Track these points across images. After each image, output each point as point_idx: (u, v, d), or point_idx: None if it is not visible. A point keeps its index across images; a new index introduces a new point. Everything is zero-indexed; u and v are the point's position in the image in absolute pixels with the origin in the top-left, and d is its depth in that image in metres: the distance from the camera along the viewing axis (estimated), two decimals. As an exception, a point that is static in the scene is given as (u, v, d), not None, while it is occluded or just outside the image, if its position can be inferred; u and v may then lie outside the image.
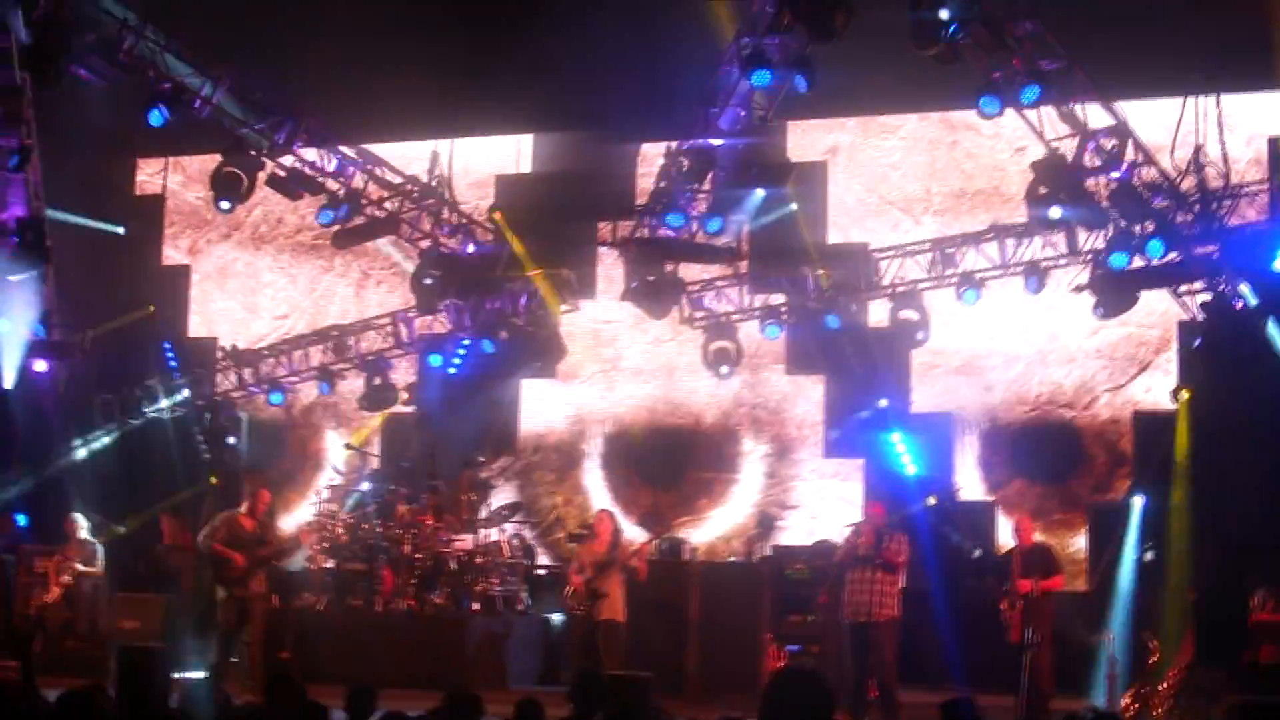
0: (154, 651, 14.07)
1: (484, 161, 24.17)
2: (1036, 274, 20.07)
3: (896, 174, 22.62)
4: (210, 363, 24.21)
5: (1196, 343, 19.15)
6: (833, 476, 22.40)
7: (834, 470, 22.42)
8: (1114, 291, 19.22)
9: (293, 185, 20.39)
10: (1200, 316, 19.29)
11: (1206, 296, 19.05)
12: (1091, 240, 19.41)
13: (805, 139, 22.73)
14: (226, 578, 17.02)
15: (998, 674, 16.75)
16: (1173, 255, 18.60)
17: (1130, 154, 18.30)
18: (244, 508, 17.46)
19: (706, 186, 20.27)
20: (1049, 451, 21.44)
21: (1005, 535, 20.80)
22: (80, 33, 17.72)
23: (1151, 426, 20.53)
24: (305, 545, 19.05)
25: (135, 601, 20.16)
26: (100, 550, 20.21)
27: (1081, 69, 17.74)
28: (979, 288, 20.43)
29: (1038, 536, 18.08)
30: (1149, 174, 18.60)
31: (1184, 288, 19.60)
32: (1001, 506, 21.36)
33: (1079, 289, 19.80)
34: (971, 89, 17.54)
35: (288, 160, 20.12)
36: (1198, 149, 18.65)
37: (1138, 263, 18.76)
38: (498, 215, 22.54)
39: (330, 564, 20.14)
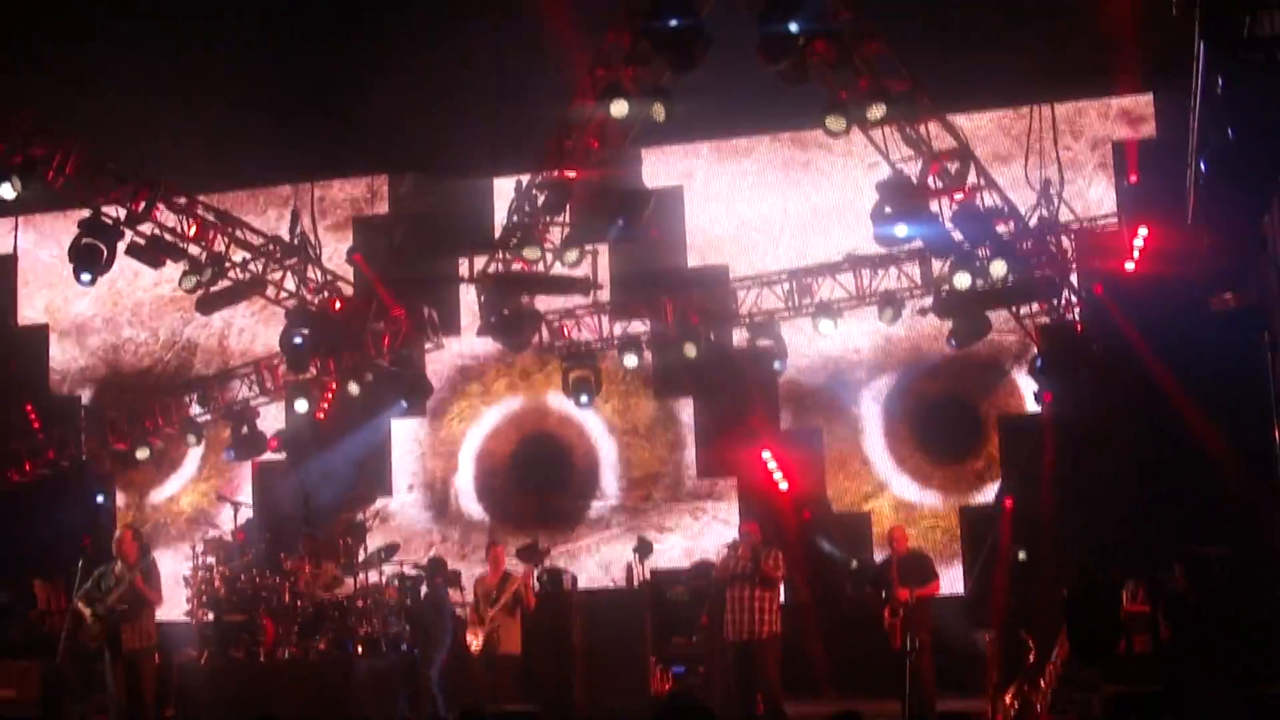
0: (30, 720, 13.94)
1: (341, 205, 24.12)
2: (892, 304, 20.41)
3: (751, 196, 22.83)
4: (74, 422, 23.92)
5: (1038, 363, 19.57)
6: (707, 497, 22.54)
7: (708, 490, 22.56)
8: (960, 314, 19.63)
9: (154, 253, 20.19)
10: (1036, 338, 19.83)
11: (1045, 319, 19.60)
12: (942, 268, 19.76)
13: (660, 166, 22.91)
14: (90, 634, 16.70)
15: (880, 681, 16.98)
16: (1013, 276, 19.00)
17: (972, 177, 18.68)
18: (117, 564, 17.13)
19: (563, 219, 20.35)
20: (919, 459, 21.72)
21: (883, 544, 21.04)
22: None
23: (1016, 429, 20.89)
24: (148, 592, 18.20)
25: (11, 670, 19.81)
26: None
27: (925, 91, 18.07)
28: (835, 317, 20.71)
29: (911, 543, 18.30)
30: (991, 198, 18.99)
31: (1025, 310, 20.07)
32: (876, 516, 21.60)
33: (924, 311, 20.23)
34: (820, 109, 17.79)
35: (147, 228, 19.92)
36: (1046, 184, 19.11)
37: (980, 284, 19.14)
38: (357, 257, 22.52)
39: (210, 617, 19.95)
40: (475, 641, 17.42)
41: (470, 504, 23.42)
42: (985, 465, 21.47)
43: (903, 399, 21.89)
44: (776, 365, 21.39)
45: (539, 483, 23.20)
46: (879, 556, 19.39)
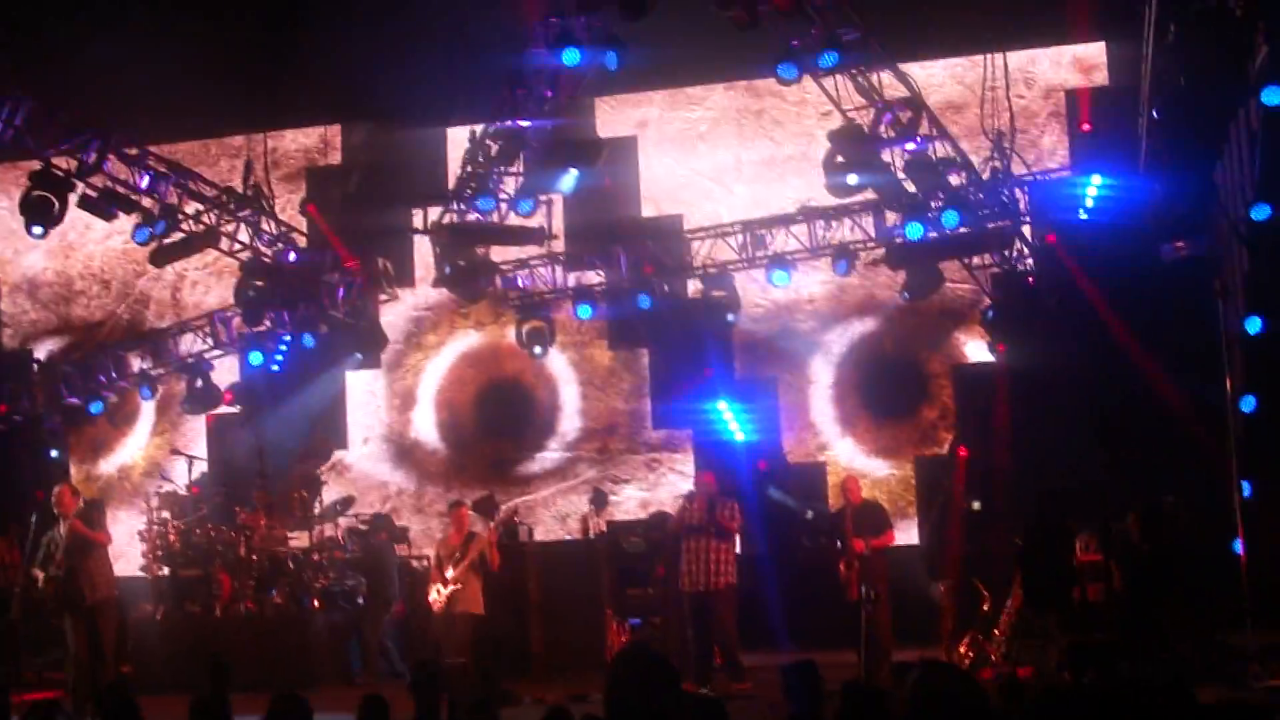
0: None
1: (294, 155, 24.01)
2: (846, 256, 20.41)
3: (705, 145, 22.79)
4: (26, 376, 23.77)
5: (989, 314, 19.65)
6: (663, 448, 22.56)
7: (663, 441, 22.59)
8: (912, 265, 19.66)
9: (106, 205, 20.02)
10: (988, 288, 19.90)
11: (996, 270, 19.65)
12: (895, 220, 19.77)
13: (614, 115, 22.84)
14: (47, 597, 16.70)
15: (837, 632, 17.05)
16: (964, 228, 19.04)
17: (925, 127, 18.67)
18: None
19: (517, 168, 20.29)
20: (874, 408, 21.77)
21: (838, 494, 21.12)
22: None
23: (970, 379, 20.96)
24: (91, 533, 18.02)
25: (-34, 624, 19.78)
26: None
27: (877, 40, 18.03)
28: (789, 268, 20.69)
29: (865, 494, 18.37)
30: (943, 149, 18.99)
31: (976, 260, 20.10)
32: (831, 466, 21.66)
33: (875, 263, 20.27)
34: (774, 56, 17.75)
35: (98, 180, 19.76)
36: (999, 135, 19.12)
37: (932, 235, 19.18)
38: (310, 208, 22.43)
39: (165, 571, 19.91)
40: (438, 600, 17.41)
41: (426, 456, 23.39)
42: (939, 415, 21.54)
43: (857, 348, 21.92)
44: (730, 317, 21.37)
45: (495, 434, 23.18)
46: (834, 507, 19.44)
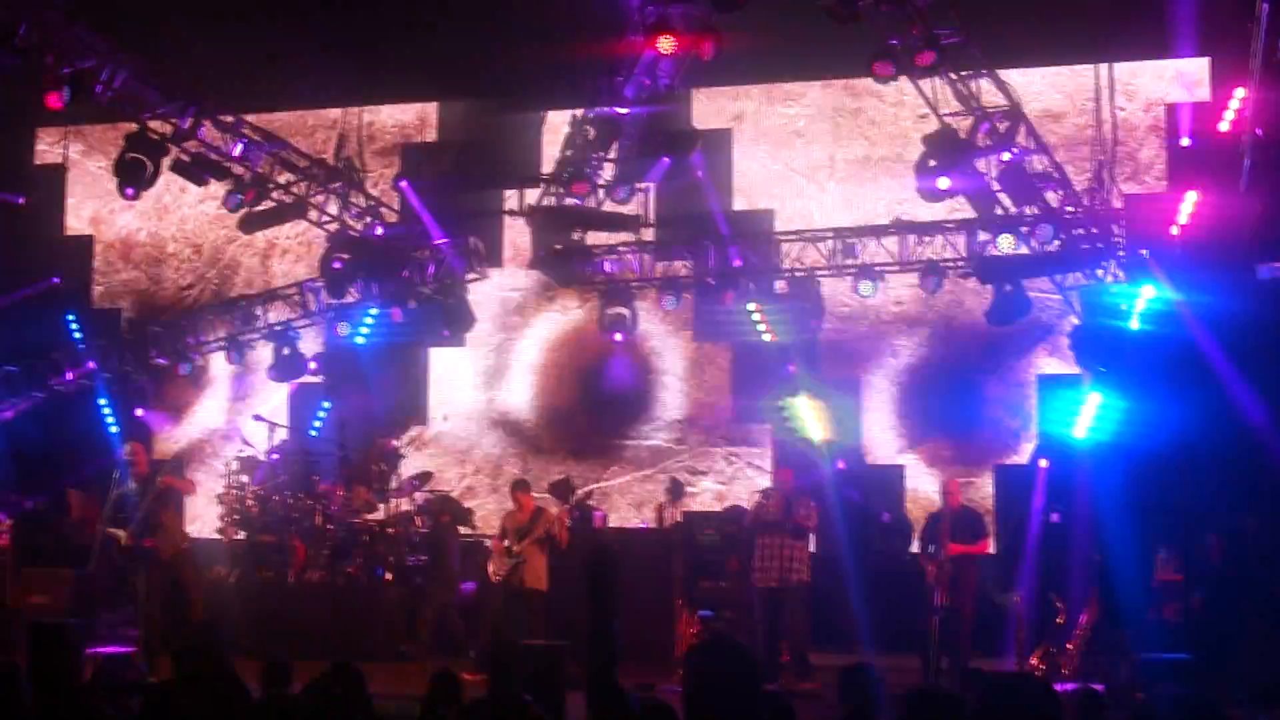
0: (66, 626, 14.07)
1: (390, 131, 24.12)
2: (936, 273, 20.33)
3: (800, 141, 22.73)
4: (116, 334, 24.02)
5: (1076, 332, 19.47)
6: (741, 442, 22.53)
7: (743, 435, 22.55)
8: (1001, 278, 19.54)
9: (198, 171, 20.18)
10: (1078, 308, 19.75)
11: (1086, 286, 19.52)
12: (988, 235, 19.67)
13: (710, 106, 22.81)
14: (126, 553, 16.94)
15: (908, 637, 17.00)
16: (1057, 243, 18.88)
17: (1023, 138, 18.52)
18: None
19: (612, 155, 20.33)
20: (955, 415, 21.64)
21: (915, 498, 21.05)
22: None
23: (1054, 390, 20.80)
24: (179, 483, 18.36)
25: (44, 576, 19.99)
26: (8, 524, 20.01)
27: (978, 45, 17.89)
28: (876, 280, 20.62)
29: (919, 501, 18.29)
30: (1040, 162, 18.83)
31: (1069, 279, 19.96)
32: (911, 469, 21.56)
33: (966, 275, 20.13)
34: (870, 56, 17.66)
35: (192, 145, 19.91)
36: (1099, 165, 18.92)
37: (1023, 250, 19.05)
38: (404, 185, 22.53)
39: (241, 536, 20.09)
40: (497, 572, 17.50)
41: (504, 436, 23.44)
42: (1021, 424, 21.38)
43: (941, 354, 21.78)
44: (813, 324, 21.33)
45: (574, 419, 23.21)
46: (911, 510, 19.37)
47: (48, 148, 25.43)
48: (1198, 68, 20.93)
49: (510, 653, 11.12)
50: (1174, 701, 7.54)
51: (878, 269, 20.72)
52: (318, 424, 22.72)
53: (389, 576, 19.37)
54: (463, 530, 20.43)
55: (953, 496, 17.45)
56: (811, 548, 17.37)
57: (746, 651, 6.68)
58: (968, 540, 16.86)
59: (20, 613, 18.73)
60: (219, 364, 23.89)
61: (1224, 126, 18.17)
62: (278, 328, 23.04)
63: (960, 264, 20.40)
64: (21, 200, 24.12)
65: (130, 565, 17.20)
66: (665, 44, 18.13)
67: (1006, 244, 19.11)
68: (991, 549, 20.01)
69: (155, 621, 16.94)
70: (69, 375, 23.23)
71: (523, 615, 17.31)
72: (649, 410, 22.98)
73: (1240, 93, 18.07)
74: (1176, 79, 21.10)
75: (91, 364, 23.34)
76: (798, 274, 21.27)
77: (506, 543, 17.56)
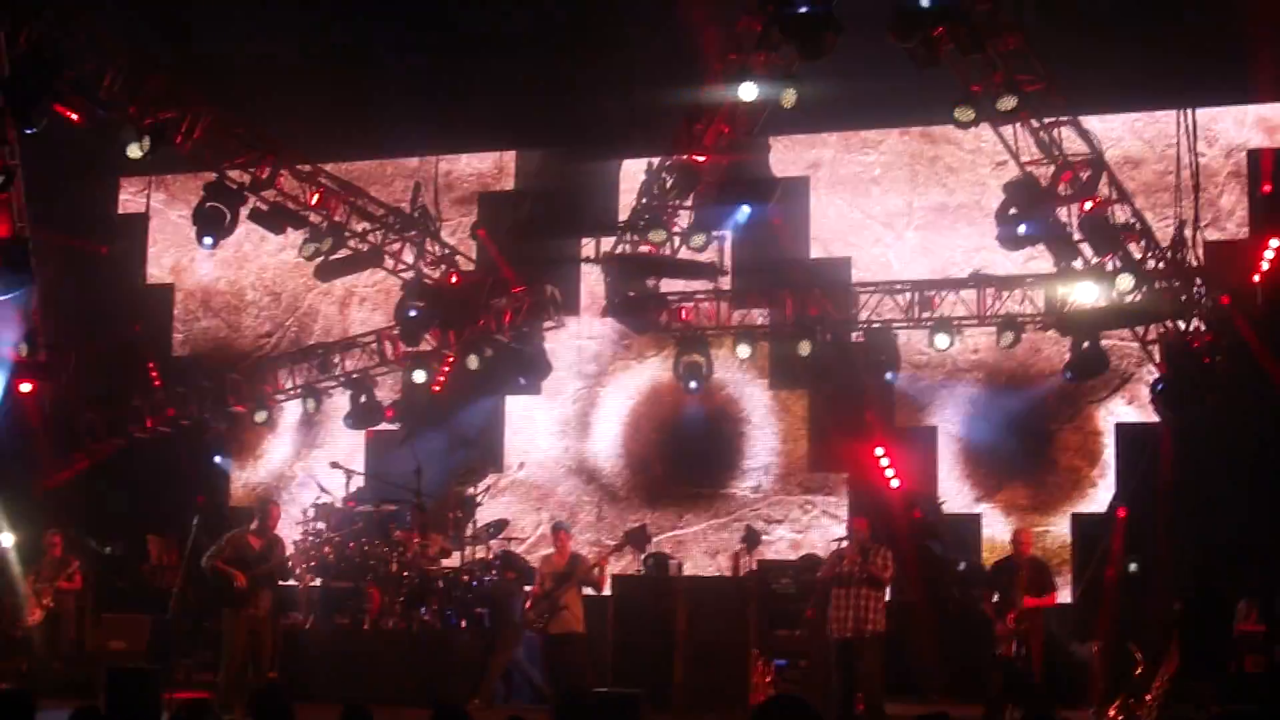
0: (144, 672, 14.17)
1: (467, 179, 24.25)
2: (1012, 328, 20.22)
3: (878, 189, 22.68)
4: (194, 381, 24.20)
5: (1159, 386, 19.29)
6: (817, 490, 22.44)
7: (818, 484, 22.46)
8: (1080, 330, 19.41)
9: (275, 220, 20.39)
10: (1159, 358, 19.58)
11: (1169, 340, 19.33)
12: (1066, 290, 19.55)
13: (788, 154, 22.77)
14: (230, 596, 17.10)
15: (982, 686, 16.86)
16: (1138, 294, 18.73)
17: (1104, 189, 18.39)
18: (253, 525, 17.62)
19: (689, 202, 20.34)
20: (1033, 463, 21.48)
21: (990, 547, 20.89)
22: (60, 71, 17.63)
23: (1133, 438, 20.63)
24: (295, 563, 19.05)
25: (122, 622, 20.17)
26: (78, 565, 20.17)
27: (1059, 92, 17.80)
28: (952, 334, 20.54)
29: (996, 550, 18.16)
30: (1122, 213, 18.70)
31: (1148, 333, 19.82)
32: (986, 518, 21.40)
33: (1044, 327, 20.02)
34: (951, 102, 17.63)
35: (270, 194, 20.09)
36: (1181, 225, 18.75)
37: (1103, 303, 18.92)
38: (481, 233, 22.63)
39: (317, 582, 20.15)
40: (539, 618, 17.65)
41: (579, 484, 23.43)
42: (1100, 472, 21.19)
43: (1019, 402, 21.62)
44: (889, 377, 21.26)
45: (650, 466, 23.18)
46: (987, 559, 19.21)
47: (130, 197, 25.69)
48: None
49: (580, 702, 11.07)
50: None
51: (955, 322, 20.63)
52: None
53: (464, 624, 19.38)
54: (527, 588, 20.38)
55: (1025, 545, 17.27)
56: (887, 597, 17.24)
57: (813, 711, 6.58)
58: (1035, 591, 16.69)
59: (99, 657, 18.88)
60: (295, 411, 23.98)
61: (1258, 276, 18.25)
62: (355, 375, 23.13)
63: (1039, 318, 20.26)
64: (105, 249, 24.41)
65: (227, 596, 17.33)
66: (747, 91, 18.18)
67: (1087, 295, 18.96)
68: (1068, 598, 19.91)
69: (239, 668, 17.09)
70: (149, 423, 23.38)
71: (564, 659, 17.44)
72: (725, 458, 22.92)
73: (1276, 242, 18.07)
74: (1257, 124, 20.95)
75: (171, 411, 23.51)
76: (874, 325, 21.20)
77: (545, 588, 17.70)
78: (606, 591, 19.08)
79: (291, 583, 20.35)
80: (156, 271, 25.81)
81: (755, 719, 6.27)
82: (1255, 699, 14.69)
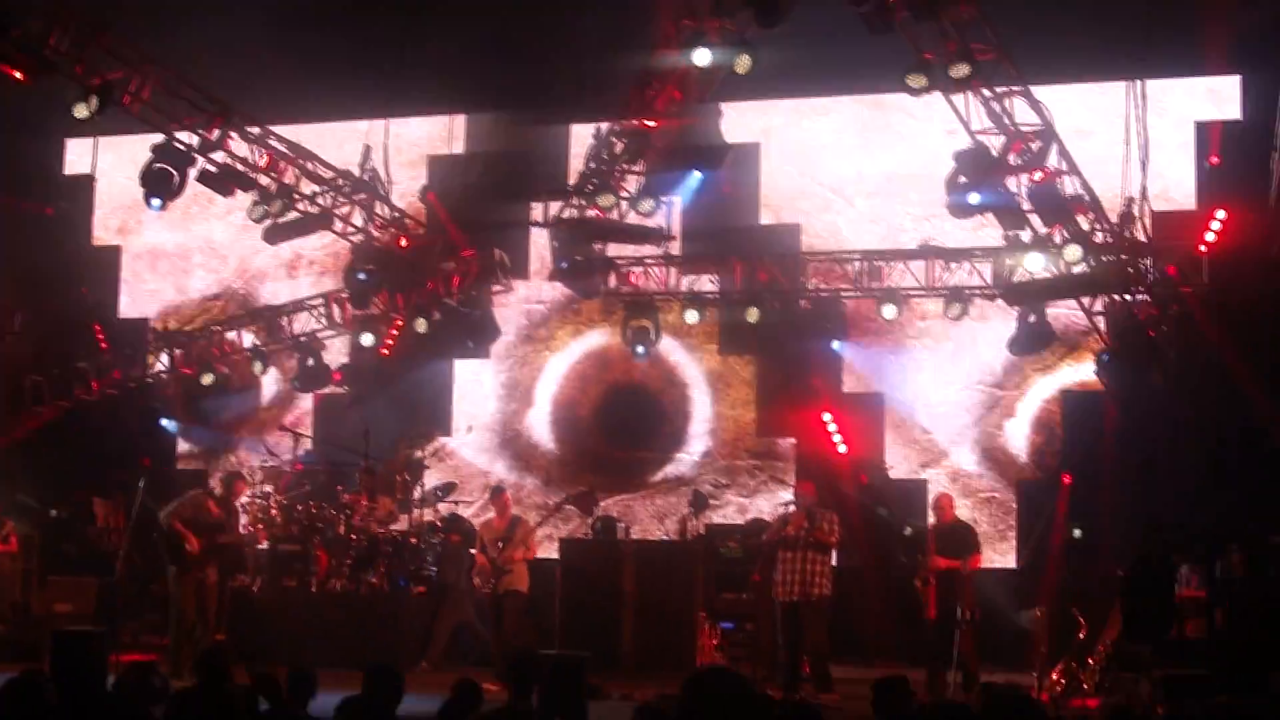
0: (90, 634, 14.11)
1: (417, 143, 24.17)
2: (960, 300, 20.30)
3: (828, 156, 22.72)
4: (141, 344, 24.09)
5: (1104, 358, 19.40)
6: (765, 456, 22.51)
7: (766, 449, 22.54)
8: (1028, 300, 19.50)
9: (224, 181, 20.24)
10: (1105, 331, 19.69)
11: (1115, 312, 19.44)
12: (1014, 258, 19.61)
13: (739, 121, 22.75)
14: (181, 558, 17.15)
15: (925, 649, 17.02)
16: (1085, 266, 18.80)
17: (1054, 160, 18.45)
18: (217, 491, 17.73)
19: (639, 168, 20.32)
20: (978, 429, 21.61)
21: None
22: (5, 29, 17.43)
23: (1080, 405, 20.78)
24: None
25: (68, 584, 20.12)
26: (11, 527, 20.12)
27: (1011, 62, 17.84)
28: (900, 304, 20.60)
29: (966, 516, 18.27)
30: (1071, 184, 18.75)
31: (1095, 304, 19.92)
32: (933, 484, 21.51)
33: (989, 295, 20.08)
34: (903, 70, 17.64)
35: (219, 156, 19.97)
36: (1129, 197, 18.79)
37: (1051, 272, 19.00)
38: (430, 196, 22.58)
39: (264, 545, 20.13)
40: (485, 583, 17.70)
41: (528, 448, 23.43)
42: (1045, 440, 21.33)
43: (965, 369, 21.73)
44: (835, 346, 21.35)
45: (599, 431, 23.20)
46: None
47: (76, 158, 25.49)
48: (1230, 84, 20.89)
49: (529, 664, 11.10)
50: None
51: (903, 293, 20.70)
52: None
53: (422, 590, 19.46)
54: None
55: (944, 511, 17.56)
56: (833, 561, 17.35)
57: (744, 680, 6.56)
58: (954, 554, 16.88)
59: (45, 621, 18.82)
60: (243, 374, 23.86)
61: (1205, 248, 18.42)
62: (303, 338, 23.04)
63: (987, 289, 20.34)
64: (50, 210, 24.24)
65: (177, 558, 17.41)
66: (700, 57, 18.15)
67: (1035, 265, 19.04)
68: (1012, 564, 20.05)
69: (188, 629, 17.22)
70: (94, 385, 23.25)
71: (506, 618, 17.53)
72: (673, 423, 22.96)
73: (1222, 213, 18.19)
74: (1206, 96, 21.06)
75: (117, 374, 23.39)
76: (823, 293, 21.24)
77: (490, 555, 17.75)
78: (555, 554, 19.18)
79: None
80: (103, 233, 25.63)
81: (686, 690, 6.25)
82: (1195, 663, 14.81)
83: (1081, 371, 20.97)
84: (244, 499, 19.60)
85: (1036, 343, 19.98)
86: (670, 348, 22.64)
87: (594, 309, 23.10)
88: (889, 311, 20.54)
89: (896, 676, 9.67)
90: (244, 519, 19.30)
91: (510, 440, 23.52)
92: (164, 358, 23.68)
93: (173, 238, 25.27)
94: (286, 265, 24.60)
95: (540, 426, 23.48)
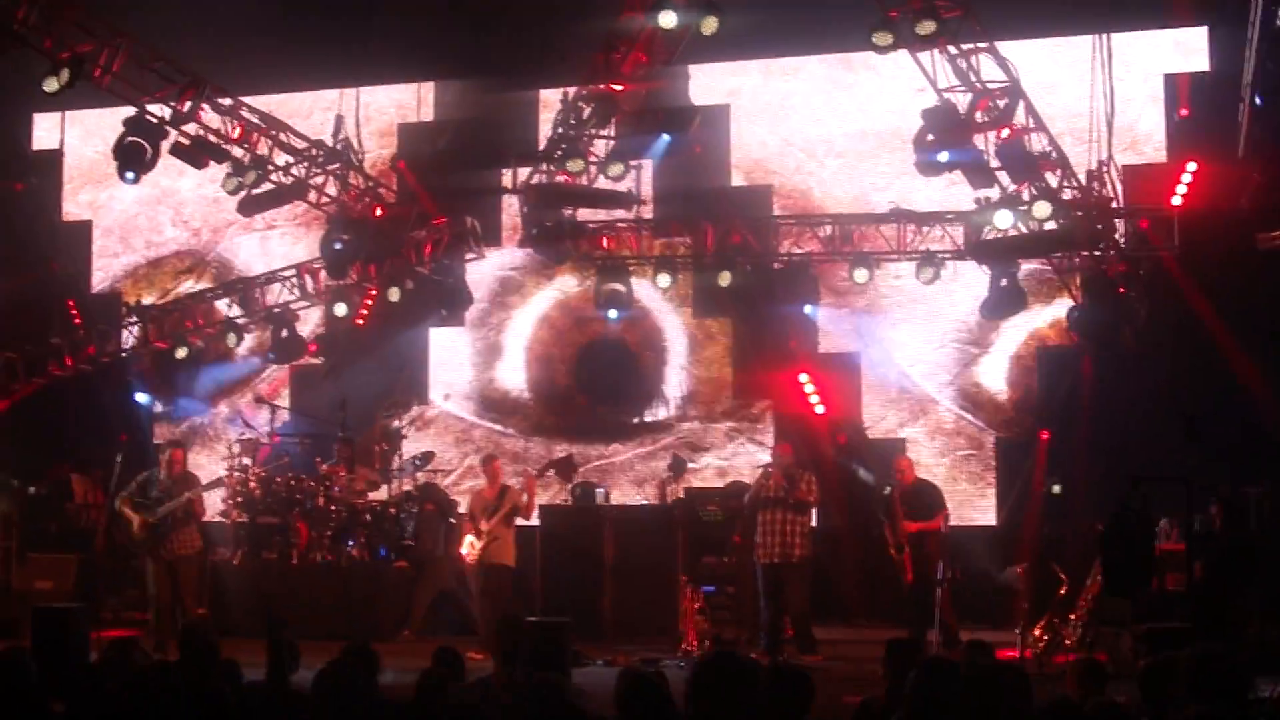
0: (71, 611, 14.12)
1: (385, 110, 24.09)
2: (932, 264, 20.26)
3: (798, 116, 22.69)
4: (115, 318, 23.99)
5: (1075, 313, 19.43)
6: (742, 418, 22.53)
7: (744, 411, 22.55)
8: (997, 258, 19.45)
9: (197, 153, 20.11)
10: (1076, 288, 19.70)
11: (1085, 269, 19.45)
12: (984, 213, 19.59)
13: (707, 83, 22.71)
14: (131, 540, 17.27)
15: (906, 610, 17.11)
16: (1054, 223, 18.79)
17: (1021, 117, 18.42)
18: (160, 472, 17.79)
19: (608, 132, 20.28)
20: (956, 387, 21.64)
21: (918, 472, 21.01)
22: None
23: (1055, 362, 20.83)
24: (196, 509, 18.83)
25: (48, 561, 20.10)
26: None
27: (977, 19, 17.80)
28: (872, 268, 20.58)
29: (946, 475, 18.33)
30: (1039, 141, 18.73)
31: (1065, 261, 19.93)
32: (910, 444, 21.54)
33: (960, 257, 20.08)
34: (870, 28, 17.60)
35: (191, 128, 19.86)
36: (1100, 164, 18.79)
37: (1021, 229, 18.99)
38: (401, 165, 22.53)
39: (244, 518, 20.12)
40: (472, 552, 17.68)
41: (506, 415, 23.43)
42: (1022, 396, 21.36)
43: (941, 327, 21.75)
44: (808, 309, 21.34)
45: (576, 396, 23.20)
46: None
47: (45, 133, 25.33)
48: (1197, 36, 20.89)
49: (513, 631, 11.14)
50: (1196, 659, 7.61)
51: (875, 256, 20.68)
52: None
53: (404, 563, 19.49)
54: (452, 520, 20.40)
55: (905, 473, 17.64)
56: (813, 522, 17.40)
57: (752, 665, 6.66)
58: (919, 516, 16.98)
59: (25, 598, 18.81)
60: (218, 347, 23.80)
61: (1177, 200, 18.42)
62: (277, 310, 22.95)
63: (959, 252, 20.31)
64: (19, 186, 24.12)
65: (138, 551, 17.52)
66: (666, 19, 18.10)
67: (1004, 222, 19.01)
68: (991, 521, 20.11)
69: (165, 608, 17.35)
70: (68, 361, 23.16)
71: (490, 589, 17.53)
72: (650, 387, 22.96)
73: (1192, 165, 18.20)
74: (1174, 48, 21.06)
75: (91, 349, 23.29)
76: (794, 257, 21.24)
77: (478, 525, 17.74)
78: (535, 521, 19.18)
79: (218, 519, 20.38)
80: (74, 208, 25.53)
81: (696, 676, 6.32)
82: (1176, 616, 14.89)
83: (1056, 328, 20.91)
84: (219, 470, 19.64)
85: (1008, 305, 19.92)
86: (644, 311, 22.62)
87: (567, 274, 23.10)
88: (861, 275, 20.48)
89: (910, 638, 9.84)
90: (205, 481, 19.17)
91: (487, 407, 23.49)
92: (136, 330, 23.55)
93: (144, 211, 25.16)
94: (260, 236, 24.47)
95: (517, 393, 23.45)
